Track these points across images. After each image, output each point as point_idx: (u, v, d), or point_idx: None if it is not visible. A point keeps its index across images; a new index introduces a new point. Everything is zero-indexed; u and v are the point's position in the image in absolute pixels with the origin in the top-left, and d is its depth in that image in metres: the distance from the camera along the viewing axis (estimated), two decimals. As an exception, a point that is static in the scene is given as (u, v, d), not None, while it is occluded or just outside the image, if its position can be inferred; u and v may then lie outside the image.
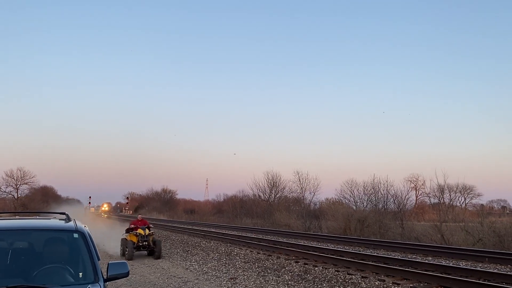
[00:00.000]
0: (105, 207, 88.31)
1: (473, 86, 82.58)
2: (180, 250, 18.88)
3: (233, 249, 17.42)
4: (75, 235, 4.39)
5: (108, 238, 20.33)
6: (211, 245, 19.10)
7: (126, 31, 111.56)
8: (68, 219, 4.81)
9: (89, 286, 3.85)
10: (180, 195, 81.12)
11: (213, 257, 15.75)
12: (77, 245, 4.32)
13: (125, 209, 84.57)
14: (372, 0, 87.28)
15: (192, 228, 32.93)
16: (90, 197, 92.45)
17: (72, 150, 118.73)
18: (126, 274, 4.25)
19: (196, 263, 14.88)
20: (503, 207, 57.11)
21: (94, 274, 4.02)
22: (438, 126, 76.62)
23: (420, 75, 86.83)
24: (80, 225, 4.64)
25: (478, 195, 54.58)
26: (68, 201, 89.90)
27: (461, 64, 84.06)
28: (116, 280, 4.29)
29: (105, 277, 4.09)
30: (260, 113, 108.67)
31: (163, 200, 76.39)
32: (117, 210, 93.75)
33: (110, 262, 4.17)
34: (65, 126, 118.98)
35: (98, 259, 4.22)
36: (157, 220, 49.85)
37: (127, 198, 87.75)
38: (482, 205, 52.62)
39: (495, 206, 57.44)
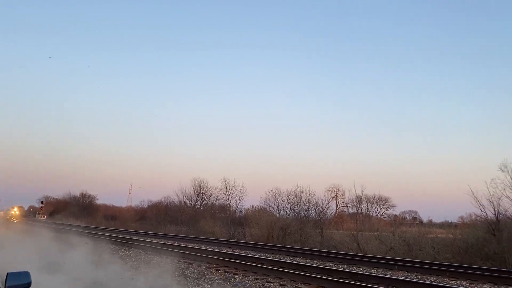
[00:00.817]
0: (16, 211, 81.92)
1: (393, 101, 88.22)
2: (96, 258, 17.96)
3: (153, 257, 16.95)
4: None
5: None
6: (130, 253, 18.43)
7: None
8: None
9: (-19, 299, 3.53)
10: (100, 200, 77.53)
11: (131, 266, 15.19)
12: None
13: (39, 214, 78.99)
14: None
15: (111, 235, 31.55)
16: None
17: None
18: (28, 285, 3.94)
19: (112, 272, 14.24)
20: (414, 218, 61.23)
21: (-10, 285, 3.70)
22: (359, 138, 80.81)
23: (338, 89, 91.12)
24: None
25: (392, 206, 58.31)
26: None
27: (376, 79, 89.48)
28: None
29: (2, 288, 3.78)
30: (188, 118, 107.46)
31: (82, 205, 72.43)
32: (30, 215, 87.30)
33: (9, 272, 3.85)
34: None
35: (-6, 269, 3.88)
36: (73, 226, 47.08)
37: (42, 202, 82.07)
38: (395, 215, 56.25)
39: (407, 216, 61.44)
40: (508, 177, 18.97)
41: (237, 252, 19.87)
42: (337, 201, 52.89)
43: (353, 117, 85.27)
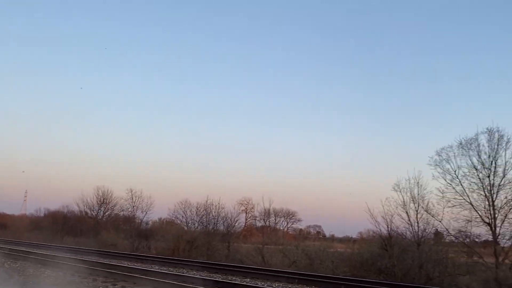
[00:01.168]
0: None
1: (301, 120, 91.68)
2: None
3: (44, 271, 15.60)
4: None
5: None
6: (17, 266, 16.77)
7: None
8: None
9: None
10: (-11, 207, 70.16)
11: (17, 280, 13.78)
12: None
13: None
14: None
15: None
16: None
17: None
18: None
19: (-6, 287, 12.82)
20: (318, 232, 63.92)
21: None
22: (270, 152, 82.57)
23: (252, 103, 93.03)
24: None
25: (298, 220, 60.29)
26: None
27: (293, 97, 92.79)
28: None
29: None
30: (90, 124, 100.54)
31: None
32: None
33: None
34: None
35: None
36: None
37: None
38: (301, 229, 58.35)
39: (312, 231, 63.95)
40: (401, 197, 20.58)
41: (138, 265, 19.05)
42: (247, 214, 53.46)
43: (267, 132, 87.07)
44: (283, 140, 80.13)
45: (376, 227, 21.13)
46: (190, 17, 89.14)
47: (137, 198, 40.08)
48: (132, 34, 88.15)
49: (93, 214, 43.43)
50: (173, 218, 36.48)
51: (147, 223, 40.57)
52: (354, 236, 38.98)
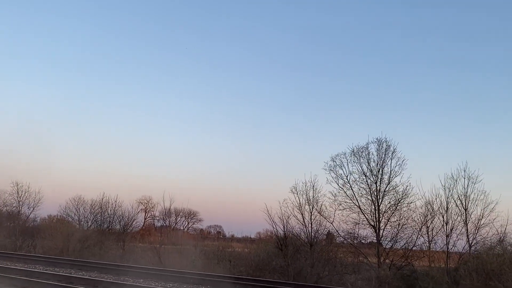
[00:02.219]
0: None
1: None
2: None
3: None
4: None
5: None
6: None
7: None
8: None
9: None
10: None
11: None
12: None
13: None
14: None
15: None
16: None
17: None
18: None
19: None
20: (218, 232, 64.23)
21: None
22: (171, 150, 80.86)
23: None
24: None
25: (200, 220, 60.00)
26: None
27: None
28: None
29: None
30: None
31: None
32: None
33: None
34: None
35: None
36: None
37: None
38: (201, 229, 58.16)
39: (212, 231, 64.08)
40: (297, 198, 21.50)
41: (20, 266, 17.42)
42: (146, 214, 51.81)
43: (169, 131, 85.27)
44: (184, 140, 79.14)
45: (273, 228, 21.84)
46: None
47: (23, 192, 36.65)
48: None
49: (-31, 209, 38.77)
50: (64, 216, 34.01)
51: (34, 220, 37.35)
52: (252, 236, 39.88)
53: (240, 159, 73.97)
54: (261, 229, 34.73)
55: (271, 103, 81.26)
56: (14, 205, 36.96)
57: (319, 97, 75.55)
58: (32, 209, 36.68)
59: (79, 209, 32.63)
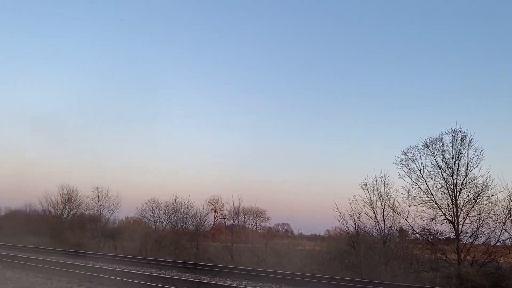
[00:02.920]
0: None
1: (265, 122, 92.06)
2: None
3: (5, 272, 15.01)
4: None
5: None
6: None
7: None
8: None
9: None
10: None
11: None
12: None
13: None
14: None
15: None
16: None
17: None
18: None
19: None
20: (286, 231, 64.32)
21: None
22: (241, 152, 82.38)
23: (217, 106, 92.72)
24: None
25: (267, 219, 60.46)
26: None
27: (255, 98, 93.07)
28: None
29: None
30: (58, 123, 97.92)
31: None
32: None
33: None
34: None
35: None
36: None
37: None
38: (269, 228, 58.52)
39: (280, 229, 64.29)
40: (368, 195, 21.01)
41: (104, 265, 18.62)
42: (216, 213, 53.16)
43: (233, 130, 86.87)
44: (251, 140, 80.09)
45: (344, 225, 21.49)
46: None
47: (103, 196, 39.26)
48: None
49: (57, 213, 42.09)
50: (141, 217, 35.90)
51: (114, 222, 39.78)
52: (321, 234, 39.52)
53: (306, 157, 73.70)
54: (329, 227, 34.29)
55: (336, 96, 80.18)
56: (95, 208, 39.72)
57: (385, 89, 73.36)
58: (111, 212, 39.20)
59: (154, 210, 34.29)
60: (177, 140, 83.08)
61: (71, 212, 41.90)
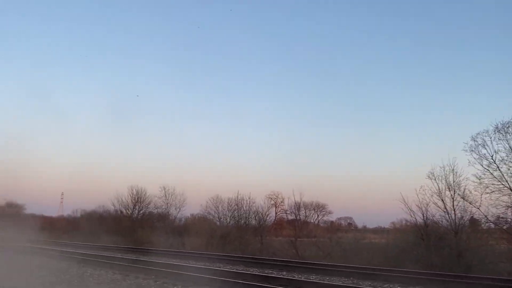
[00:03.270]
0: None
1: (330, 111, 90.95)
2: (23, 272, 16.76)
3: (87, 269, 16.14)
4: None
5: None
6: (61, 266, 17.39)
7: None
8: None
9: None
10: (29, 210, 72.52)
11: (62, 280, 14.31)
12: None
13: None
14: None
15: (41, 247, 29.69)
16: None
17: None
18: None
19: (41, 286, 13.36)
20: (349, 224, 63.35)
21: None
22: (298, 146, 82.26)
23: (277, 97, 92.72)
24: None
25: (329, 213, 59.84)
26: None
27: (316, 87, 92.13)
28: None
29: None
30: (125, 124, 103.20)
31: (8, 215, 67.40)
32: None
33: None
34: None
35: None
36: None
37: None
38: (332, 221, 57.92)
39: (343, 222, 63.45)
40: (436, 185, 20.22)
41: (175, 262, 19.44)
42: (277, 208, 53.48)
43: (293, 125, 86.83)
44: (309, 134, 79.60)
45: (411, 216, 20.86)
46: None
47: (170, 195, 40.86)
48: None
49: (128, 212, 44.39)
50: (206, 214, 36.98)
51: (180, 220, 41.25)
52: (386, 226, 38.52)
53: (365, 149, 72.11)
54: (394, 219, 33.40)
55: (398, 82, 77.71)
56: (163, 207, 41.46)
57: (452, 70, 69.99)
58: (178, 209, 40.68)
59: (217, 207, 35.19)
60: (235, 136, 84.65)
61: (141, 212, 44.03)
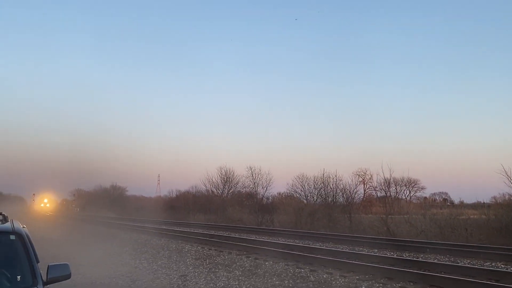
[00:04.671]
0: (46, 203, 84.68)
1: (411, 84, 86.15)
2: (128, 248, 18.43)
3: (184, 246, 17.27)
4: (12, 237, 4.16)
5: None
6: (162, 243, 18.81)
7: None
8: (4, 220, 4.57)
9: (27, 289, 3.68)
10: (130, 192, 79.03)
11: (163, 255, 15.52)
12: (14, 247, 4.10)
13: (73, 207, 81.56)
14: None
15: (143, 225, 32.27)
16: (34, 194, 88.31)
17: (15, 146, 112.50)
18: (68, 276, 4.11)
19: (145, 261, 14.60)
20: (444, 200, 59.97)
21: (33, 277, 3.86)
22: (385, 121, 79.28)
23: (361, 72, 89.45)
24: (18, 226, 4.41)
25: (422, 188, 57.13)
26: (10, 198, 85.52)
27: (399, 65, 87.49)
28: (60, 283, 4.13)
29: (44, 279, 3.94)
30: (212, 108, 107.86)
31: (112, 197, 74.10)
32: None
33: (50, 264, 4.01)
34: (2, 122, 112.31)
35: (37, 262, 4.06)
36: (105, 217, 48.44)
37: (74, 195, 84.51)
38: (425, 197, 55.21)
39: (437, 198, 60.29)
40: (543, 155, 18.33)
41: (265, 238, 20.01)
42: (365, 185, 52.29)
43: (376, 100, 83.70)
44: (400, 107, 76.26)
45: (515, 190, 19.18)
46: None
47: (256, 175, 41.92)
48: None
49: (219, 192, 46.45)
50: (292, 192, 37.38)
51: (268, 198, 42.20)
52: (487, 201, 35.80)
53: (462, 117, 67.23)
54: (496, 193, 30.87)
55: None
56: (251, 186, 42.74)
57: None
58: (265, 188, 41.66)
59: (304, 185, 35.36)
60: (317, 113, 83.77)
61: (230, 191, 45.80)
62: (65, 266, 4.09)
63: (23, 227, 4.57)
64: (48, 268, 3.96)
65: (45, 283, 3.92)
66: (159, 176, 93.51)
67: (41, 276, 3.93)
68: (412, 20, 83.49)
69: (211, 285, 10.18)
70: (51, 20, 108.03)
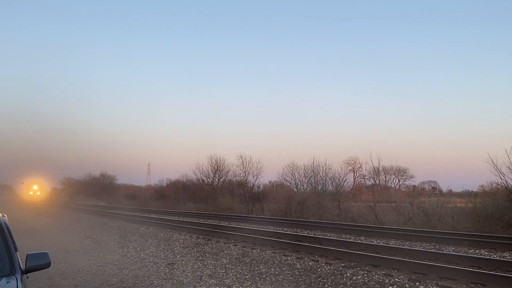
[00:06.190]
0: (36, 190, 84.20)
1: (403, 75, 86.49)
2: (117, 236, 18.42)
3: (173, 234, 17.29)
4: (-12, 225, 4.13)
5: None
6: (150, 231, 18.82)
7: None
8: (-18, 209, 4.54)
9: (4, 278, 3.65)
10: (120, 180, 78.82)
11: (151, 243, 15.53)
12: (-9, 235, 4.08)
13: (62, 195, 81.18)
14: None
15: (132, 214, 32.24)
16: (22, 183, 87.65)
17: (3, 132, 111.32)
18: (47, 265, 4.10)
19: (133, 249, 14.61)
20: (433, 188, 60.67)
21: (11, 266, 3.84)
22: (375, 110, 79.77)
23: (351, 60, 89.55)
24: (-5, 214, 4.38)
25: (410, 177, 57.86)
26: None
27: (392, 55, 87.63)
28: (46, 270, 4.12)
29: (23, 268, 3.92)
30: (201, 97, 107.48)
31: (102, 186, 73.80)
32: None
33: (28, 253, 3.99)
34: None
35: (16, 250, 4.04)
36: (95, 206, 48.30)
37: (63, 183, 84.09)
38: (414, 186, 55.88)
39: (426, 187, 61.00)
40: (529, 144, 18.53)
41: (255, 227, 20.11)
42: (355, 174, 52.80)
43: (367, 88, 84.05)
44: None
45: (502, 179, 19.43)
46: None
47: (247, 163, 42.03)
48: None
49: (209, 181, 46.51)
50: (282, 181, 37.58)
51: (258, 187, 42.39)
52: (474, 190, 36.27)
53: (451, 107, 67.70)
54: (484, 182, 31.31)
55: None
56: (241, 175, 42.86)
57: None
58: (256, 177, 41.82)
59: (294, 174, 35.55)
60: (308, 102, 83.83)
61: (221, 180, 45.88)
62: (45, 254, 4.07)
63: (3, 215, 4.55)
64: (26, 257, 3.95)
65: (24, 272, 3.91)
66: (149, 165, 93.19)
67: (20, 265, 3.92)
68: None
69: (198, 273, 10.22)
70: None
